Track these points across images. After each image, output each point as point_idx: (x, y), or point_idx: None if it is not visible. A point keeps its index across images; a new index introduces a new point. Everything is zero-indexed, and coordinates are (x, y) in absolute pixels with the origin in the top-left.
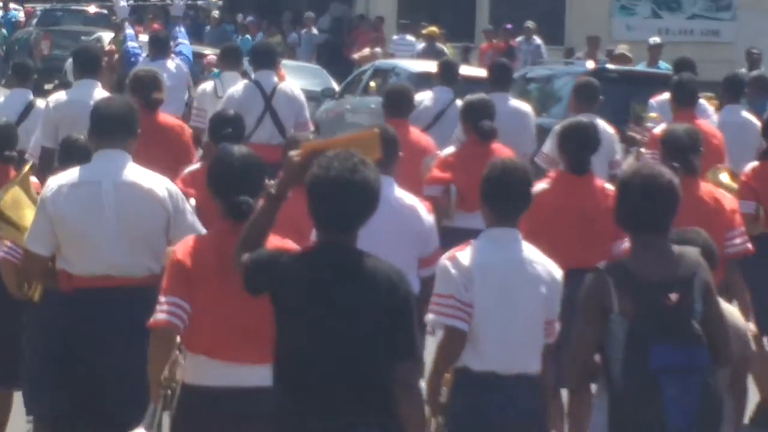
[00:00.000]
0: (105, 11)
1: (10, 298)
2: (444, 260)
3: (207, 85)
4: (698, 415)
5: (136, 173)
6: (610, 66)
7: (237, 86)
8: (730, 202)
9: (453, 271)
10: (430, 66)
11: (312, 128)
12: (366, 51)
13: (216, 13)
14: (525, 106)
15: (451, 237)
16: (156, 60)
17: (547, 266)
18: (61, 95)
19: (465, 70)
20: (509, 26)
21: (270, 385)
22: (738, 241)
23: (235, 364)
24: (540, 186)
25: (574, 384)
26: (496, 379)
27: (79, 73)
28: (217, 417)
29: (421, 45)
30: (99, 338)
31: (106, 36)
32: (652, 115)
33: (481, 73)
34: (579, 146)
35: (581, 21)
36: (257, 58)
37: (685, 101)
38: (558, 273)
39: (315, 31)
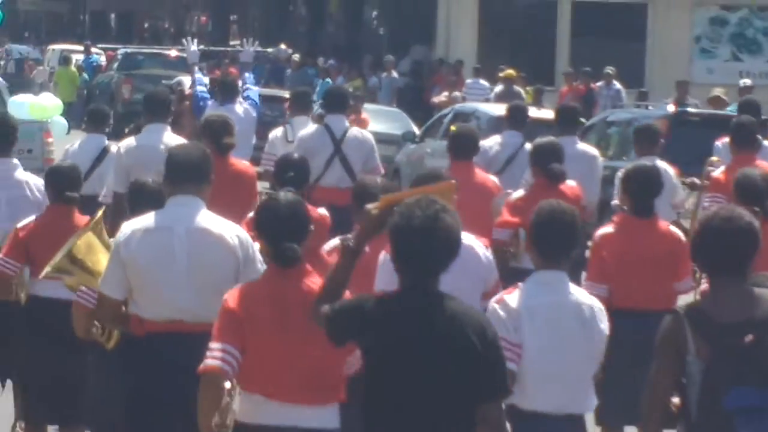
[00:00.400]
0: (185, 55)
1: (77, 340)
2: (493, 303)
3: (277, 131)
4: None
5: (208, 220)
6: (690, 109)
7: (308, 129)
8: None
9: (501, 313)
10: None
11: (382, 172)
12: (445, 95)
13: (297, 57)
14: (592, 150)
15: (519, 277)
16: (225, 104)
17: (593, 306)
18: (131, 141)
19: (535, 113)
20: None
21: (329, 428)
22: None
23: (291, 405)
24: (605, 230)
25: (653, 427)
26: (544, 418)
27: (149, 118)
28: None
29: (498, 88)
30: (168, 382)
31: (187, 80)
32: (714, 158)
33: (551, 115)
34: (642, 189)
35: (662, 64)
36: (329, 101)
37: (744, 143)
38: (602, 312)
39: (395, 74)
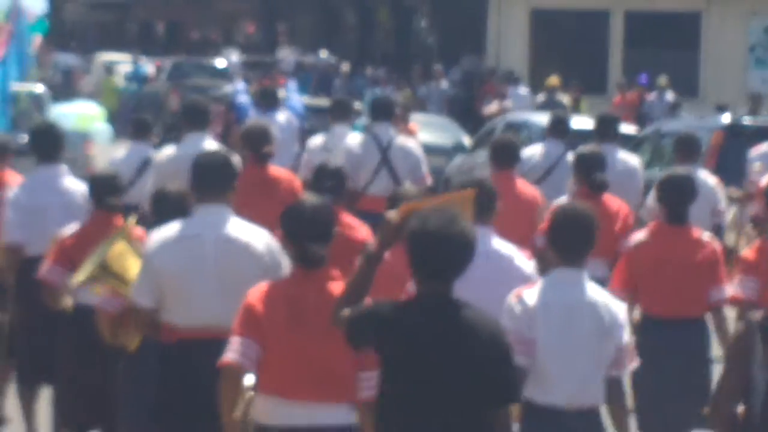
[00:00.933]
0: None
1: (107, 347)
2: (510, 298)
3: (316, 138)
4: None
5: (236, 227)
6: (746, 121)
7: (355, 138)
8: None
9: (518, 308)
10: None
11: (429, 183)
12: (495, 105)
13: (346, 66)
14: (633, 159)
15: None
16: (267, 113)
17: (609, 305)
18: (170, 149)
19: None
20: (644, 81)
21: (344, 424)
22: None
23: (308, 403)
24: (638, 236)
25: (716, 425)
26: (559, 412)
27: (188, 127)
28: None
29: (540, 97)
30: (198, 388)
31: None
32: (757, 166)
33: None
34: (676, 197)
35: (716, 74)
36: (375, 111)
37: None
38: (621, 311)
39: (444, 84)
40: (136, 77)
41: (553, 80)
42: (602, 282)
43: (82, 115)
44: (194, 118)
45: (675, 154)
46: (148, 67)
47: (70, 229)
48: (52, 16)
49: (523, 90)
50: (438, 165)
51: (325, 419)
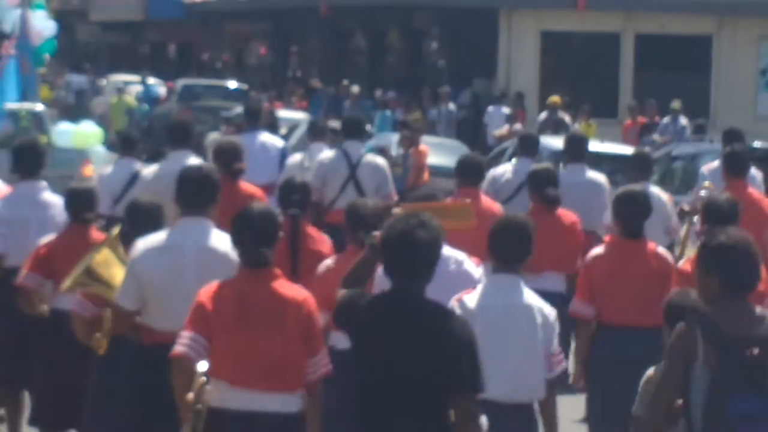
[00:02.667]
0: (245, 86)
1: (81, 350)
2: (453, 300)
3: (295, 157)
4: None
5: (215, 239)
6: (756, 145)
7: (327, 153)
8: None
9: (458, 310)
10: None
11: (395, 199)
12: (505, 128)
13: (355, 89)
14: (600, 177)
15: None
16: (249, 132)
17: (543, 309)
18: (155, 166)
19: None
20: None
21: (289, 411)
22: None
23: (254, 391)
24: (596, 251)
25: (656, 425)
26: (494, 406)
27: (173, 145)
28: None
29: (542, 115)
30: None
31: None
32: (706, 184)
33: (615, 149)
34: (631, 212)
35: (727, 97)
36: (347, 129)
37: (737, 171)
38: (553, 314)
39: (452, 106)
40: (147, 98)
41: (555, 99)
42: (558, 296)
43: (81, 134)
44: (178, 137)
45: (630, 172)
46: (160, 88)
47: (46, 239)
48: (65, 38)
49: (505, 109)
50: (447, 187)
51: (270, 406)
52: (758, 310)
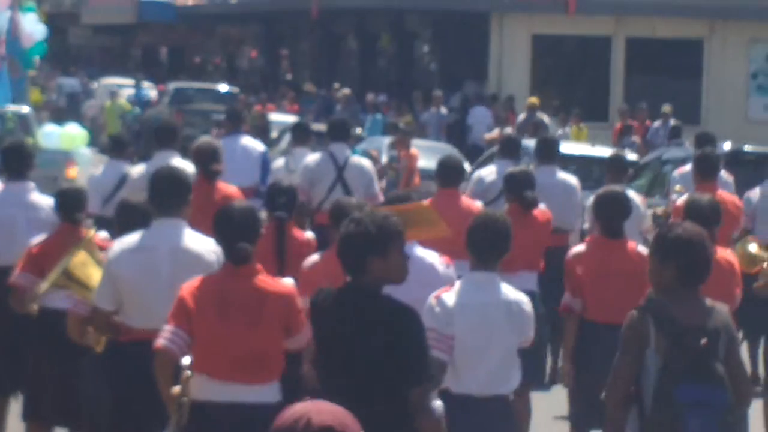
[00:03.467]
0: (236, 90)
1: (71, 347)
2: (431, 299)
3: (279, 162)
4: None
5: (189, 239)
6: (747, 149)
7: (314, 156)
8: (737, 266)
9: (437, 308)
10: (566, 147)
11: (381, 200)
12: (496, 131)
13: (346, 92)
14: (571, 179)
15: None
16: (231, 135)
17: (520, 303)
18: (141, 167)
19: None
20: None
21: (269, 402)
22: (738, 301)
23: (235, 384)
24: (578, 248)
25: (612, 408)
26: (473, 399)
27: (157, 146)
28: (220, 428)
29: (521, 116)
30: (151, 383)
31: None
32: (677, 187)
33: (606, 153)
34: (612, 212)
35: (718, 101)
36: (333, 132)
37: (707, 174)
38: (529, 305)
39: (443, 110)
40: (139, 101)
41: (533, 100)
42: (532, 294)
43: (66, 136)
44: (164, 138)
45: (606, 174)
46: (150, 91)
47: (38, 239)
48: (57, 41)
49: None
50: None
51: (251, 397)
52: (708, 301)
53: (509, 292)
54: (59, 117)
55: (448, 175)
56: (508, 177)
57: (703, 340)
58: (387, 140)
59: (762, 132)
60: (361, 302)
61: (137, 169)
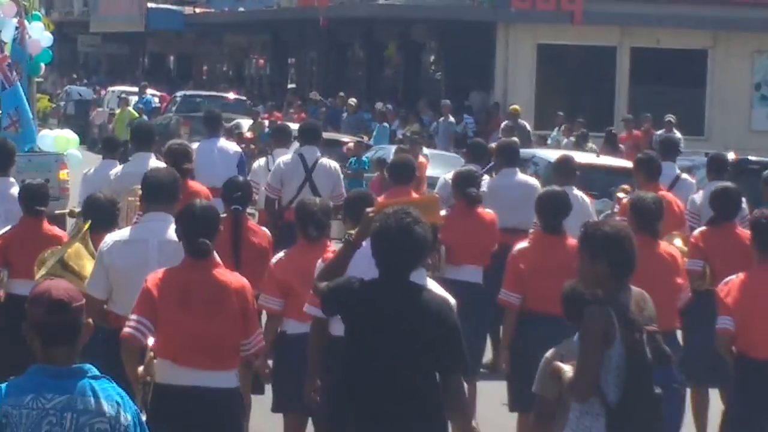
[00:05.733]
0: (244, 98)
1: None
2: None
3: (261, 161)
4: (681, 421)
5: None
6: (751, 158)
7: (285, 157)
8: (679, 259)
9: None
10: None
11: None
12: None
13: (353, 101)
14: (532, 180)
15: (443, 286)
16: (209, 138)
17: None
18: (120, 167)
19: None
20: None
21: (227, 387)
22: (684, 294)
23: (195, 369)
24: (521, 244)
25: (583, 399)
26: None
27: (136, 147)
28: (181, 410)
29: (504, 123)
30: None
31: (245, 122)
32: (624, 187)
33: (611, 162)
34: (550, 210)
35: (722, 111)
36: (303, 135)
37: (650, 176)
38: (452, 302)
39: (451, 119)
40: (146, 109)
41: (515, 108)
42: (477, 286)
43: (59, 139)
44: (141, 140)
45: (554, 176)
46: (155, 98)
47: (2, 231)
48: (66, 48)
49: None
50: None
51: (210, 382)
52: (635, 291)
53: (433, 286)
54: (68, 125)
55: (400, 173)
56: (455, 175)
57: (653, 327)
58: (394, 149)
59: (765, 142)
60: (400, 293)
61: (115, 170)
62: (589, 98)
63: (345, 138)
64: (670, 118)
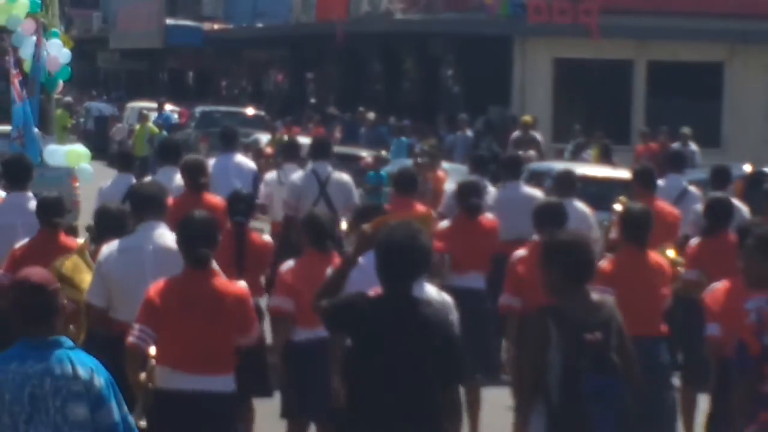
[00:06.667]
0: (262, 113)
1: None
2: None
3: (272, 174)
4: (618, 429)
5: (170, 239)
6: (767, 170)
7: (298, 174)
8: (667, 268)
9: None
10: (586, 169)
11: None
12: (520, 154)
13: (371, 115)
14: (536, 192)
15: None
16: (225, 153)
17: (443, 301)
18: (148, 180)
19: (609, 172)
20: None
21: (224, 391)
22: (668, 300)
23: (194, 374)
24: (520, 252)
25: (523, 401)
26: None
27: (161, 161)
28: (179, 413)
29: (515, 134)
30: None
31: (264, 137)
32: (621, 198)
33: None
34: (548, 220)
35: (738, 124)
36: (316, 151)
37: (646, 186)
38: (450, 305)
39: (469, 133)
40: (165, 125)
41: (527, 119)
42: (481, 292)
43: (71, 153)
44: (166, 155)
45: (555, 188)
46: (174, 114)
47: (21, 243)
48: (85, 65)
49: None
50: None
51: (209, 386)
52: (595, 296)
53: (432, 291)
54: (87, 141)
55: (404, 184)
56: (458, 186)
57: (596, 335)
58: (410, 162)
59: None
60: (404, 308)
61: (142, 182)
62: (606, 111)
63: (363, 152)
64: (685, 130)
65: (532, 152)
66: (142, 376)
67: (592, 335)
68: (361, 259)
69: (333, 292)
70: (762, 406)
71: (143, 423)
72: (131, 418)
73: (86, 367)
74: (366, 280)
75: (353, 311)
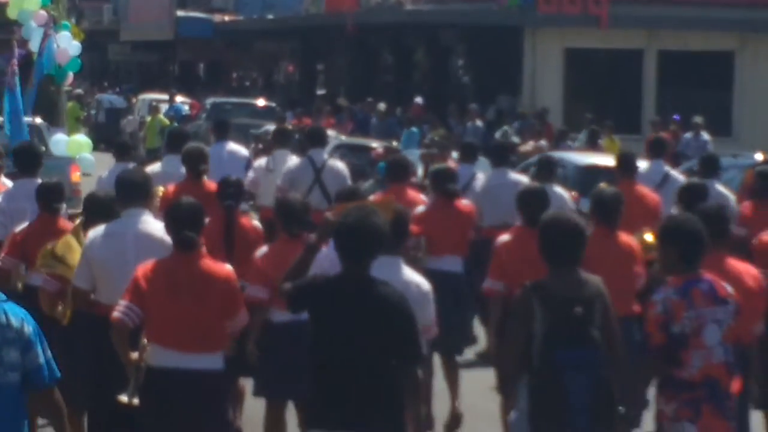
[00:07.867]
0: (273, 104)
1: (45, 318)
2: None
3: (262, 161)
4: (593, 399)
5: (152, 226)
6: None
7: (294, 161)
8: (637, 249)
9: None
10: (598, 159)
11: None
12: (531, 144)
13: (382, 106)
14: (522, 179)
15: (426, 276)
16: (218, 142)
17: (420, 285)
18: (155, 167)
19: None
20: (677, 118)
21: (212, 368)
22: (641, 280)
23: (182, 352)
24: (503, 237)
25: (504, 367)
26: None
27: (168, 150)
28: (169, 390)
29: (516, 123)
30: (114, 350)
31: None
32: (602, 185)
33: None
34: (531, 205)
35: (749, 112)
36: (311, 138)
37: (626, 171)
38: (428, 288)
39: (479, 123)
40: (176, 116)
41: (524, 111)
42: (458, 275)
43: (72, 142)
44: (174, 144)
45: (536, 174)
46: (185, 105)
47: (21, 227)
48: (96, 57)
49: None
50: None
51: (195, 364)
52: (583, 275)
53: (410, 274)
54: (98, 133)
55: (397, 172)
56: (433, 172)
57: (578, 309)
58: (420, 153)
59: None
60: (361, 287)
61: (151, 169)
62: (617, 101)
63: (374, 143)
64: (697, 119)
65: (543, 142)
66: (134, 355)
67: (573, 309)
68: (329, 248)
69: (297, 276)
70: (682, 389)
71: (136, 401)
72: (54, 363)
73: (18, 317)
74: (333, 267)
75: (311, 290)
